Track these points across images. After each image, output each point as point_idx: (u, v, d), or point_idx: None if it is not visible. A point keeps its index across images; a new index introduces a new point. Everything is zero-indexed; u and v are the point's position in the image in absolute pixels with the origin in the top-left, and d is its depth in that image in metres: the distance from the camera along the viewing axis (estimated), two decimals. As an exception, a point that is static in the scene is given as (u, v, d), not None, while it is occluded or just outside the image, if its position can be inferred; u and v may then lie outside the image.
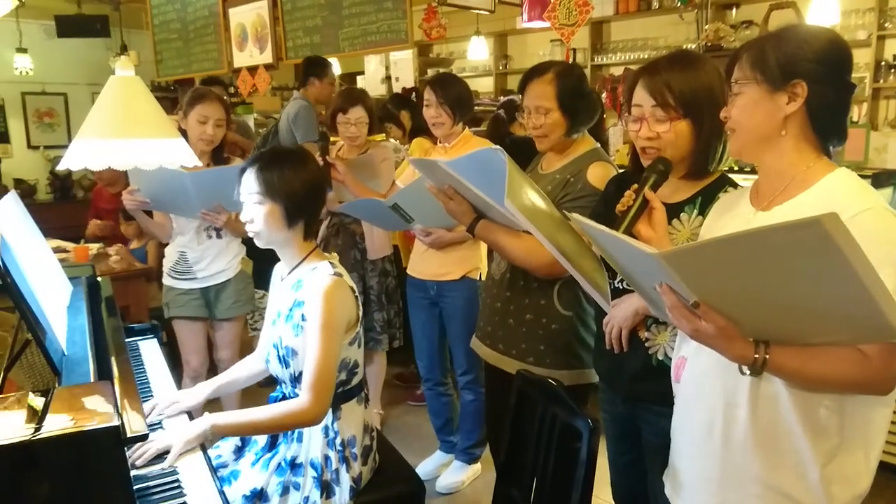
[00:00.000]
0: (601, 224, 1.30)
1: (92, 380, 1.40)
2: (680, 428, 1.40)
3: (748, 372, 1.14)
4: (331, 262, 1.80)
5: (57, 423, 1.13)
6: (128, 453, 1.47)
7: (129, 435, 1.19)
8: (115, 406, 1.21)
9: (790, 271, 0.98)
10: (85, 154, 1.69)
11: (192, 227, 2.77)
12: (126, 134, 1.72)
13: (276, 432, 1.80)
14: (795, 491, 1.22)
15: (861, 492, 1.23)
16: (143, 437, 1.24)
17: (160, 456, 1.54)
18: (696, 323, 1.12)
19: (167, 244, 2.90)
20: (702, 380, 1.32)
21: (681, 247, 1.20)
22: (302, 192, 1.72)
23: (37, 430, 1.12)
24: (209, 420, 1.63)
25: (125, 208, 2.74)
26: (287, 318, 1.78)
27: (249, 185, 1.72)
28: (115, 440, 1.14)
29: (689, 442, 1.37)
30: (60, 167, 1.77)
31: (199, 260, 2.80)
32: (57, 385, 1.34)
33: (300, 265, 1.80)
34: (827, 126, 1.22)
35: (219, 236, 2.80)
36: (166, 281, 2.86)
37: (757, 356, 1.11)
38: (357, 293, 1.83)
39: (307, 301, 1.72)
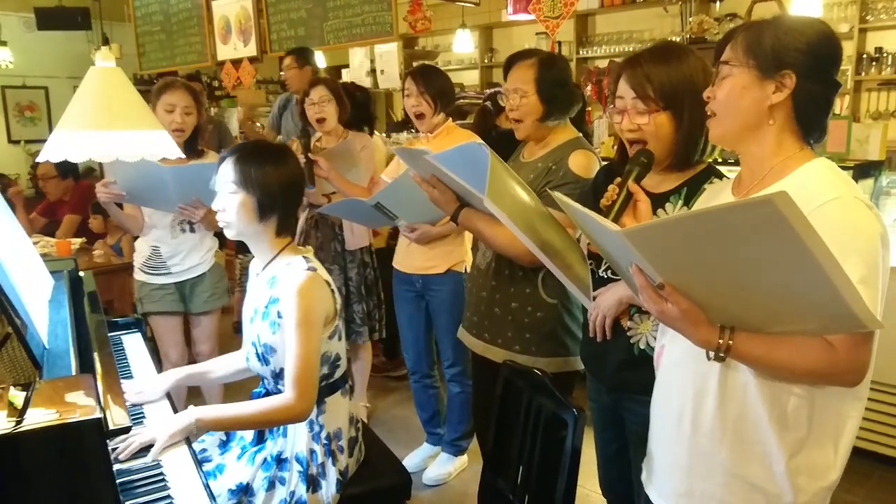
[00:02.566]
0: None
1: (74, 373, 1.38)
2: (654, 415, 1.41)
3: (712, 357, 1.14)
4: (305, 257, 1.77)
5: (38, 417, 1.12)
6: (111, 446, 1.46)
7: (111, 428, 1.18)
8: (98, 399, 1.20)
9: (748, 252, 0.97)
10: (65, 145, 1.67)
11: (166, 222, 2.73)
12: (107, 125, 1.70)
13: (261, 428, 1.79)
14: (761, 481, 1.22)
15: (829, 484, 1.23)
16: (126, 430, 1.24)
17: (144, 449, 1.53)
18: (662, 304, 1.12)
19: (137, 238, 2.86)
20: (675, 368, 1.33)
21: (641, 224, 1.20)
22: (277, 187, 1.70)
23: (18, 423, 1.11)
24: (194, 413, 1.62)
25: (98, 204, 2.70)
26: (264, 316, 1.76)
27: (226, 174, 1.71)
28: (97, 433, 1.13)
29: (662, 429, 1.38)
30: (40, 159, 1.75)
31: (173, 255, 2.77)
32: (38, 379, 1.33)
33: (273, 261, 1.78)
34: (809, 121, 1.22)
35: (192, 230, 2.77)
36: (138, 276, 2.82)
37: (721, 341, 1.11)
38: (333, 286, 1.81)
39: (282, 298, 1.70)
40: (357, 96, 3.77)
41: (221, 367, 2.02)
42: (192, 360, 2.91)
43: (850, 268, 1.01)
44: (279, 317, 1.71)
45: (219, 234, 2.90)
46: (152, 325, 2.87)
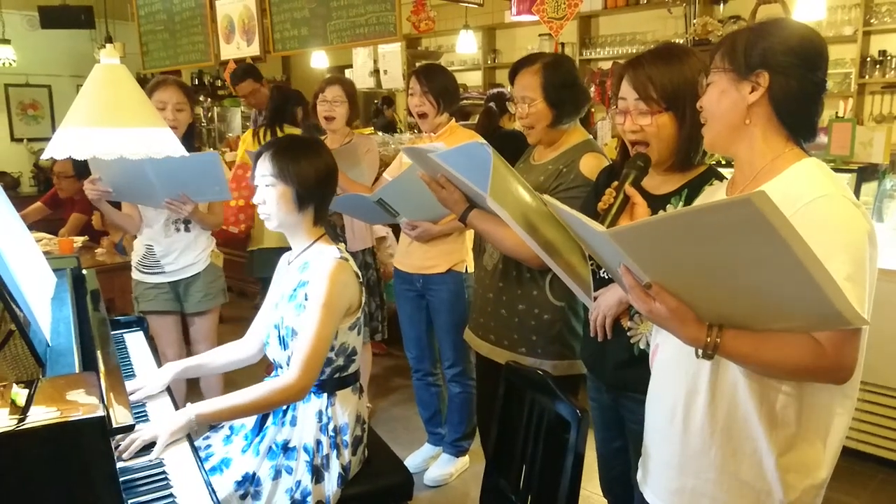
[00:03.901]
0: (590, 218, 1.30)
1: (77, 371, 1.38)
2: (648, 413, 1.42)
3: (701, 355, 1.15)
4: (338, 248, 1.84)
5: (41, 415, 1.12)
6: (114, 444, 1.46)
7: (114, 426, 1.18)
8: (101, 397, 1.19)
9: (730, 252, 0.98)
10: (69, 143, 1.67)
11: (160, 220, 2.73)
12: (111, 122, 1.69)
13: (261, 412, 1.80)
14: (752, 478, 1.23)
15: (819, 481, 1.24)
16: (130, 428, 1.23)
17: (146, 448, 1.54)
18: (650, 304, 1.13)
19: (135, 237, 2.87)
20: (667, 366, 1.34)
21: (625, 225, 1.21)
22: (314, 177, 1.77)
23: (21, 421, 1.11)
24: (193, 410, 1.63)
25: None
26: (291, 298, 1.80)
27: (264, 168, 1.78)
28: (100, 431, 1.12)
29: (655, 428, 1.39)
30: (44, 157, 1.75)
31: (166, 253, 2.77)
32: (41, 376, 1.33)
33: (308, 249, 1.84)
34: (792, 119, 1.22)
35: (187, 229, 2.77)
36: (135, 275, 2.84)
37: (709, 339, 1.12)
38: (361, 279, 1.86)
39: (311, 281, 1.76)
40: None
41: (219, 357, 2.03)
42: None
43: (836, 265, 1.02)
44: (306, 299, 1.75)
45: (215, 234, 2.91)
46: (150, 323, 2.87)
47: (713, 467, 1.25)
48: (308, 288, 1.76)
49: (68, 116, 1.75)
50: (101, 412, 1.12)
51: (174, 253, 2.77)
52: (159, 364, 2.08)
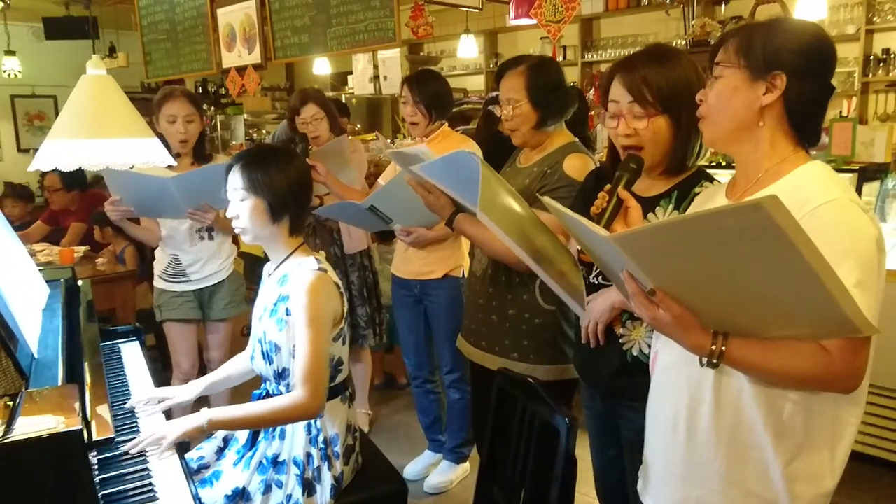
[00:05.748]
0: None
1: (60, 383, 1.38)
2: (649, 422, 1.39)
3: (705, 364, 1.12)
4: (316, 259, 1.81)
5: (21, 428, 1.12)
6: (124, 448, 1.49)
7: (94, 439, 1.18)
8: (82, 410, 1.19)
9: (739, 257, 0.96)
10: (56, 154, 1.67)
11: (183, 230, 2.75)
12: (97, 134, 1.70)
13: (273, 426, 1.80)
14: (758, 488, 1.20)
15: (826, 490, 1.21)
16: (110, 441, 1.23)
17: (140, 457, 1.53)
18: (654, 310, 1.11)
19: (156, 248, 2.89)
20: (669, 374, 1.31)
21: (631, 229, 1.18)
22: (286, 187, 1.73)
23: (3, 435, 1.10)
24: (206, 415, 1.64)
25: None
26: (272, 313, 1.78)
27: (235, 182, 1.75)
28: (78, 444, 1.12)
29: (657, 437, 1.36)
30: (31, 168, 1.75)
31: (192, 262, 2.79)
32: (24, 389, 1.33)
33: (286, 260, 1.82)
34: (802, 123, 1.20)
35: (211, 238, 2.79)
36: (158, 284, 2.85)
37: (714, 347, 1.09)
38: (342, 289, 1.84)
39: (292, 296, 1.73)
40: None
41: (236, 368, 2.03)
42: (203, 367, 2.93)
43: (845, 272, 1.00)
44: (287, 314, 1.73)
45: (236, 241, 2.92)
46: (167, 332, 2.89)
47: (718, 477, 1.23)
48: (290, 304, 1.73)
49: (55, 128, 1.75)
50: (79, 425, 1.12)
51: (200, 262, 2.79)
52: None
